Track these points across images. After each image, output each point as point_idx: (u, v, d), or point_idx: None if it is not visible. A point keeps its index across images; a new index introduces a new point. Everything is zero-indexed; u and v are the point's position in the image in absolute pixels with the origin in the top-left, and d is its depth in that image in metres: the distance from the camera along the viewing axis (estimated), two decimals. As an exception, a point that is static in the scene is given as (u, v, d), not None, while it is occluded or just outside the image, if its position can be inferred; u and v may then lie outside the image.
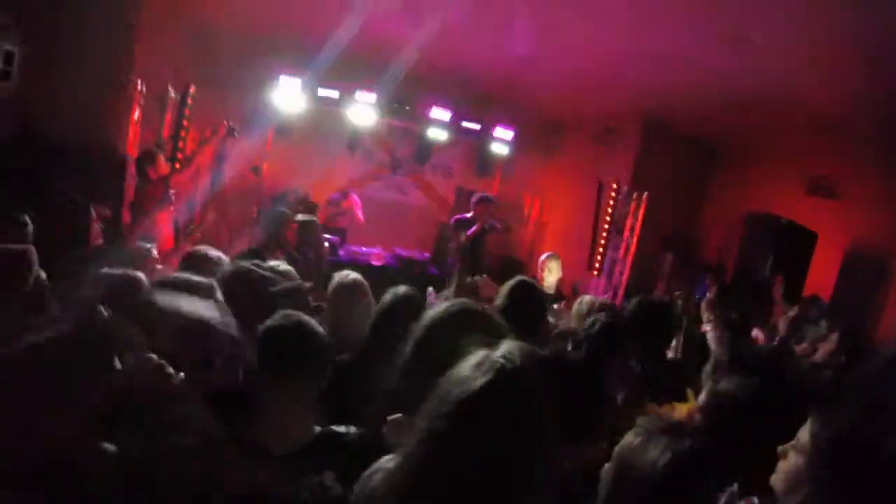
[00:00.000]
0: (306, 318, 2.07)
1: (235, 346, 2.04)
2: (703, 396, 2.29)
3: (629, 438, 1.44)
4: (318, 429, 1.96)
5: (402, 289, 2.91)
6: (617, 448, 1.47)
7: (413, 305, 2.74)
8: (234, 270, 2.84)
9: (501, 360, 1.11)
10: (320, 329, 2.07)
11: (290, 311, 2.10)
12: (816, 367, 3.96)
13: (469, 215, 7.50)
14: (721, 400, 2.09)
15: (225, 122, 6.49)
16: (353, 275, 3.35)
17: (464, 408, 1.07)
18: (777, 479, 1.61)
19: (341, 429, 1.98)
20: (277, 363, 1.95)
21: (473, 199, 7.65)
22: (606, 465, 1.49)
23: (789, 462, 1.60)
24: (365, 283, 3.36)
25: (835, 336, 4.08)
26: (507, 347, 1.16)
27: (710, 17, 4.48)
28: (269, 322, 2.02)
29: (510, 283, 3.40)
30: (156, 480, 1.53)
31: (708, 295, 4.58)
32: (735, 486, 1.70)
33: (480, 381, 1.08)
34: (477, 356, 1.14)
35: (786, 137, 6.31)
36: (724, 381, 2.17)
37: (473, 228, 7.27)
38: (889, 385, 2.99)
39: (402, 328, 1.85)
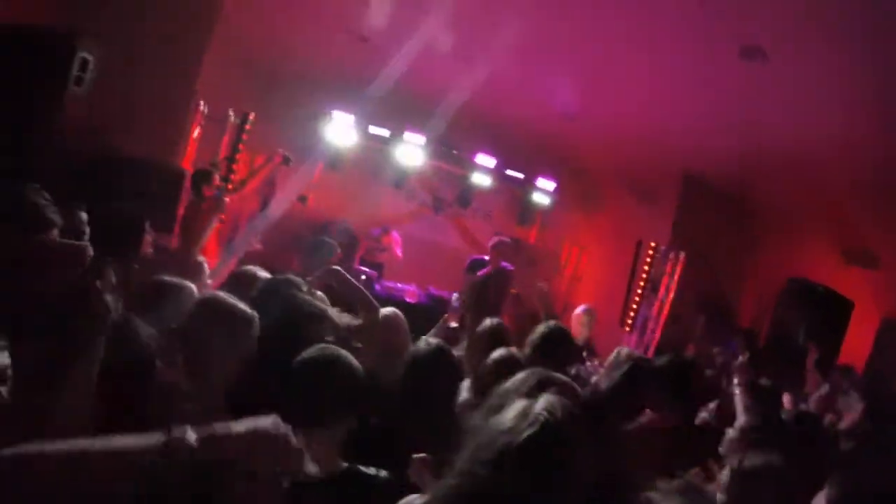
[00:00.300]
0: (344, 352, 2.01)
1: None
2: (726, 472, 2.22)
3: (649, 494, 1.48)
4: (344, 464, 1.89)
5: (434, 343, 2.74)
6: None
7: (449, 364, 2.66)
8: (271, 283, 2.89)
9: (546, 414, 1.17)
10: (357, 365, 2.00)
11: (328, 345, 2.05)
12: (840, 435, 3.88)
13: (486, 257, 7.42)
14: (745, 479, 2.06)
15: (280, 151, 6.81)
16: (392, 310, 3.34)
17: (507, 457, 1.12)
18: None
19: (371, 470, 1.90)
20: (310, 396, 1.86)
21: (490, 241, 7.55)
22: None
23: None
24: (404, 319, 3.35)
25: (860, 404, 3.97)
26: (548, 400, 1.22)
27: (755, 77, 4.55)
28: (305, 354, 1.96)
29: (542, 328, 3.40)
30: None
31: (740, 358, 4.50)
32: None
33: (526, 433, 1.13)
34: (518, 406, 1.20)
35: (826, 203, 6.28)
36: (749, 457, 2.14)
37: (484, 270, 7.20)
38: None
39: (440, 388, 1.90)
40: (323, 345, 2.05)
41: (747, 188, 7.46)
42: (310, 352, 1.97)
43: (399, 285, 8.81)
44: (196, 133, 6.67)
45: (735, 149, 6.28)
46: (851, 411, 4.38)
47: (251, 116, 7.10)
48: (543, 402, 1.20)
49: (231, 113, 7.00)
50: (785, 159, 5.81)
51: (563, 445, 1.15)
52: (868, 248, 6.07)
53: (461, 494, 1.12)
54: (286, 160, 6.84)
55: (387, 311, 3.29)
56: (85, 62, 4.68)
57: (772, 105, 4.96)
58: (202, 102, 6.49)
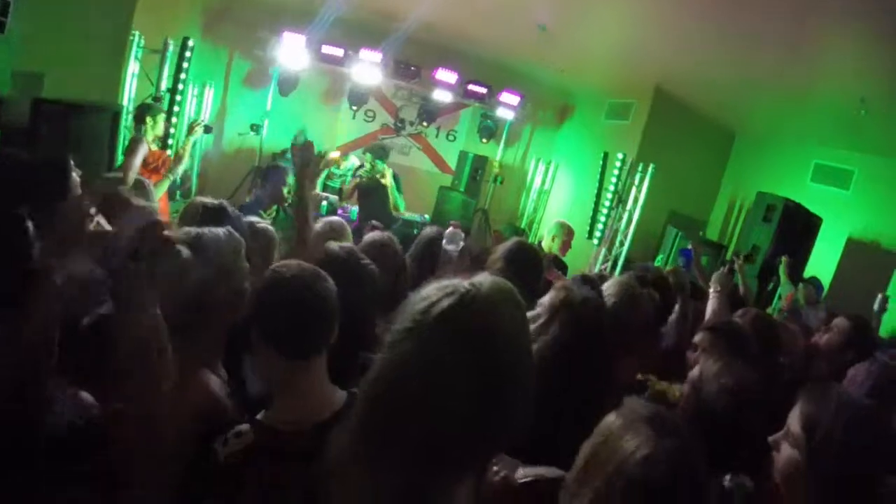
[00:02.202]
0: (318, 272, 1.69)
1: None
2: (690, 381, 2.09)
3: (611, 418, 1.34)
4: (344, 394, 1.66)
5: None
6: (599, 425, 1.36)
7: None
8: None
9: (468, 286, 0.93)
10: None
11: (295, 266, 1.66)
12: (814, 354, 3.86)
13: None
14: (708, 394, 1.95)
15: (199, 121, 6.28)
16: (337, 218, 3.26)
17: (421, 328, 0.90)
18: (776, 473, 1.56)
19: None
20: (293, 331, 1.58)
21: None
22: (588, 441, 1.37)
23: (784, 455, 1.54)
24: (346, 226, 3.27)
25: (841, 325, 3.81)
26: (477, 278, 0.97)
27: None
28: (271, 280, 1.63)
29: (508, 244, 3.21)
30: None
31: (721, 269, 4.39)
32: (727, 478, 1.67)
33: (444, 303, 0.91)
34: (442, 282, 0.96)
35: (799, 122, 6.23)
36: (711, 363, 2.04)
37: None
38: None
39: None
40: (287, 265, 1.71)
41: (720, 104, 7.30)
42: (276, 274, 1.64)
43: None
44: (133, 67, 6.12)
45: (710, 64, 6.06)
46: (816, 323, 4.41)
47: (190, 43, 6.50)
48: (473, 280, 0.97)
49: (170, 41, 6.39)
50: (760, 76, 5.65)
51: (485, 322, 0.90)
52: (839, 167, 6.07)
53: (385, 366, 0.92)
54: (207, 129, 6.29)
55: (332, 218, 3.25)
56: (6, 5, 4.19)
57: (750, 16, 4.72)
58: (138, 33, 5.91)
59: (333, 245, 2.25)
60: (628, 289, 2.71)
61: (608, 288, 2.75)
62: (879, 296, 4.28)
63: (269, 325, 1.57)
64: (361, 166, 7.62)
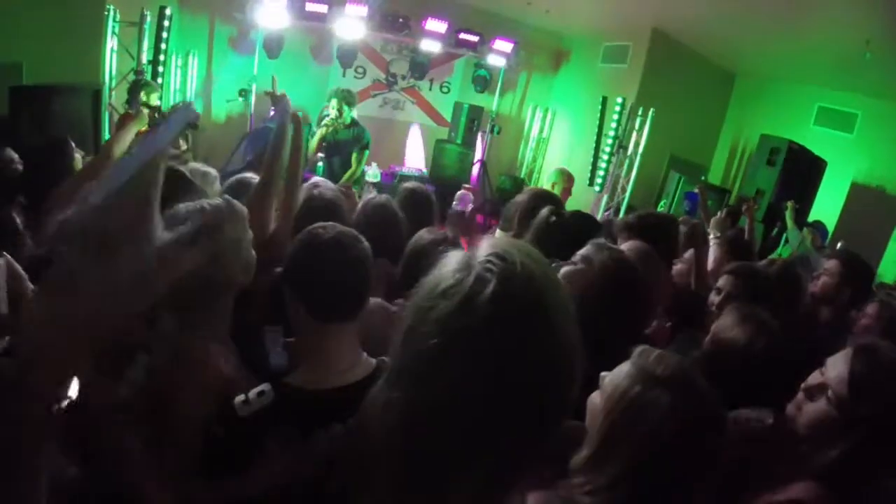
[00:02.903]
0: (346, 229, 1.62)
1: None
2: (708, 340, 2.08)
3: (623, 380, 1.26)
4: (373, 361, 1.58)
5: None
6: (609, 382, 1.28)
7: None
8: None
9: (497, 263, 0.73)
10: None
11: (325, 224, 1.61)
12: (817, 301, 3.80)
13: None
14: (725, 348, 1.95)
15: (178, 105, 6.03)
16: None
17: (449, 330, 0.71)
18: (802, 424, 1.53)
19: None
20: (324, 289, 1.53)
21: None
22: (594, 397, 1.31)
23: (817, 407, 1.50)
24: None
25: (832, 267, 3.75)
26: (496, 242, 0.77)
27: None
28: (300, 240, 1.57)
29: (527, 193, 3.10)
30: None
31: (719, 213, 4.30)
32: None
33: (459, 295, 0.71)
34: (456, 258, 0.77)
35: (804, 64, 6.01)
36: (728, 321, 2.04)
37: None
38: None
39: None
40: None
41: (719, 45, 7.04)
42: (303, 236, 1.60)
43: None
44: (112, 42, 5.93)
45: (708, 4, 5.81)
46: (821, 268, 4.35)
47: (168, 12, 6.27)
48: (493, 244, 0.76)
49: (146, 13, 6.16)
50: (761, 16, 5.41)
51: (528, 307, 0.71)
52: (843, 110, 5.90)
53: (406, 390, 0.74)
54: (193, 126, 6.00)
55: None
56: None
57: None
58: (112, 7, 5.71)
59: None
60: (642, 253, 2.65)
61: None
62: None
63: (302, 286, 1.54)
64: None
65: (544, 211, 2.48)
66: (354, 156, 6.05)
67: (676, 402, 1.21)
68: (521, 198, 3.18)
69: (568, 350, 0.75)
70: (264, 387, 1.45)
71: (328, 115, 5.94)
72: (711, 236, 3.61)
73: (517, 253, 0.75)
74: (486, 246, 0.76)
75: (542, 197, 3.19)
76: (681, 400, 1.22)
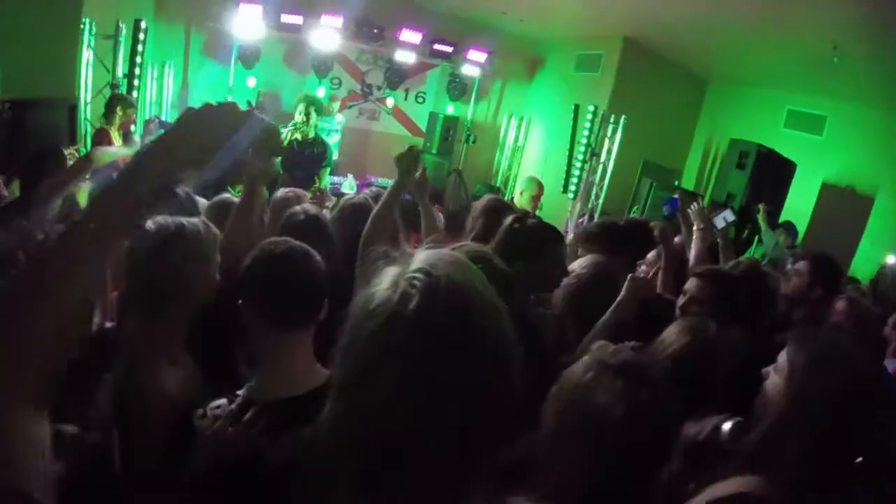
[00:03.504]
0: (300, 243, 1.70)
1: None
2: (673, 330, 2.01)
3: (579, 369, 1.25)
4: (326, 372, 1.56)
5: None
6: (563, 376, 1.27)
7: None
8: None
9: (420, 277, 0.76)
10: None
11: (278, 239, 1.70)
12: (790, 302, 3.92)
13: None
14: (697, 343, 1.91)
15: (154, 119, 6.04)
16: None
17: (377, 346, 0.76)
18: (758, 401, 1.57)
19: None
20: (278, 299, 1.58)
21: None
22: (553, 391, 1.28)
23: (769, 382, 1.57)
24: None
25: (802, 267, 3.88)
26: (425, 256, 0.81)
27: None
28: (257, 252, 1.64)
29: (482, 202, 3.15)
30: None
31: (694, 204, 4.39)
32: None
33: (384, 313, 0.75)
34: (387, 275, 0.80)
35: (773, 69, 6.22)
36: (696, 319, 2.05)
37: None
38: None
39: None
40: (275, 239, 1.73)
41: (691, 52, 7.24)
42: (263, 247, 1.66)
43: (335, 178, 8.44)
44: (87, 55, 5.87)
45: (679, 13, 5.98)
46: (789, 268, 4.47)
47: (143, 24, 6.22)
48: (422, 257, 0.79)
49: (122, 25, 6.11)
50: (730, 22, 5.60)
51: (455, 320, 0.74)
52: (812, 113, 6.12)
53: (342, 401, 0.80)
54: (163, 124, 6.07)
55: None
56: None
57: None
58: (88, 20, 5.65)
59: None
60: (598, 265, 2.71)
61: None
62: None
63: (257, 295, 1.60)
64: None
65: (508, 219, 2.57)
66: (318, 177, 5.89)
67: (630, 387, 1.18)
68: (481, 203, 3.25)
69: (499, 354, 0.77)
70: (221, 401, 1.52)
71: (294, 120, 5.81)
72: (694, 228, 3.66)
73: (443, 265, 0.78)
74: (416, 260, 0.80)
75: (501, 204, 3.26)
76: (634, 385, 1.18)
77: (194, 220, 1.87)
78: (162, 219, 1.78)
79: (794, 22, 5.23)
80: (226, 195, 2.99)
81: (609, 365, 1.22)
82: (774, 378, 1.56)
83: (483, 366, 0.76)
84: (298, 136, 5.75)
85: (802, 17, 5.12)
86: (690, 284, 2.66)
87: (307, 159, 5.82)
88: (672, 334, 1.97)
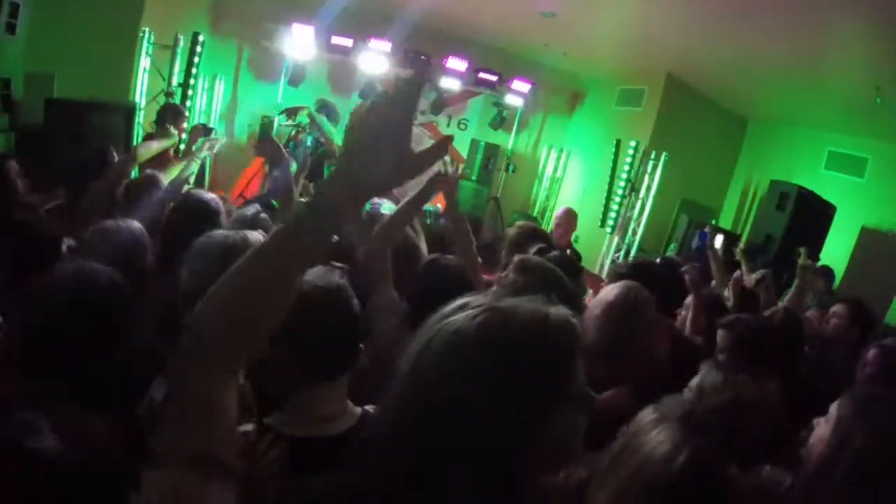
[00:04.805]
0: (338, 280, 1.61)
1: None
2: (709, 381, 1.98)
3: (647, 412, 1.34)
4: (358, 410, 1.57)
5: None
6: (636, 418, 1.37)
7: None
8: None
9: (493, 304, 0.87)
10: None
11: (317, 286, 1.56)
12: (829, 343, 3.86)
13: None
14: (734, 398, 1.89)
15: (198, 125, 6.25)
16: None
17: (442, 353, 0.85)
18: (807, 449, 1.57)
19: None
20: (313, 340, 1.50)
21: None
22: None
23: (818, 432, 1.57)
24: None
25: (841, 310, 3.86)
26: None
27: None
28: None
29: (512, 231, 3.27)
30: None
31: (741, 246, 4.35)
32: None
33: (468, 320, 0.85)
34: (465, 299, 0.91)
35: (814, 109, 6.14)
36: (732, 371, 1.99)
37: None
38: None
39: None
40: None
41: (733, 91, 7.20)
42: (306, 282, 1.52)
43: (375, 200, 8.56)
44: (145, 63, 6.18)
45: (722, 51, 5.98)
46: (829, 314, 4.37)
47: (201, 38, 6.53)
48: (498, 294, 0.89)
49: (180, 37, 6.43)
50: (773, 62, 5.56)
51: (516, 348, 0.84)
52: (853, 155, 5.99)
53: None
54: (208, 130, 6.22)
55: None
56: (15, 7, 4.21)
57: (763, 7, 4.65)
58: (148, 29, 5.96)
59: None
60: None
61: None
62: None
63: (296, 344, 1.47)
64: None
65: (532, 249, 2.58)
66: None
67: (677, 440, 1.23)
68: (511, 231, 3.30)
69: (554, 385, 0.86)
70: (247, 426, 1.45)
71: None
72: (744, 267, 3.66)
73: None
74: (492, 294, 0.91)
75: (529, 233, 3.30)
76: (682, 439, 1.24)
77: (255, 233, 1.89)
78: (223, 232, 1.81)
79: (835, 63, 5.19)
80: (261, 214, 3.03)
81: (673, 411, 1.33)
82: (822, 428, 1.57)
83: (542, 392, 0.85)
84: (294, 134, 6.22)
85: (844, 58, 5.07)
86: (719, 335, 2.65)
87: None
88: (708, 386, 1.96)
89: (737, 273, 4.18)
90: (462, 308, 0.89)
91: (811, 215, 6.17)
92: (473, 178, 9.34)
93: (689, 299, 3.38)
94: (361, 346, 1.59)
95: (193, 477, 0.79)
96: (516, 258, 2.36)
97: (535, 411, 0.84)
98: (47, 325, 1.53)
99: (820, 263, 6.08)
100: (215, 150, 4.34)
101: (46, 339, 1.52)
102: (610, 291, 2.41)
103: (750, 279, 4.53)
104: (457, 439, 0.82)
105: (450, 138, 1.09)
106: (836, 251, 6.03)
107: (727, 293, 3.94)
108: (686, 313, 3.39)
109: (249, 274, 0.85)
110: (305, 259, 0.87)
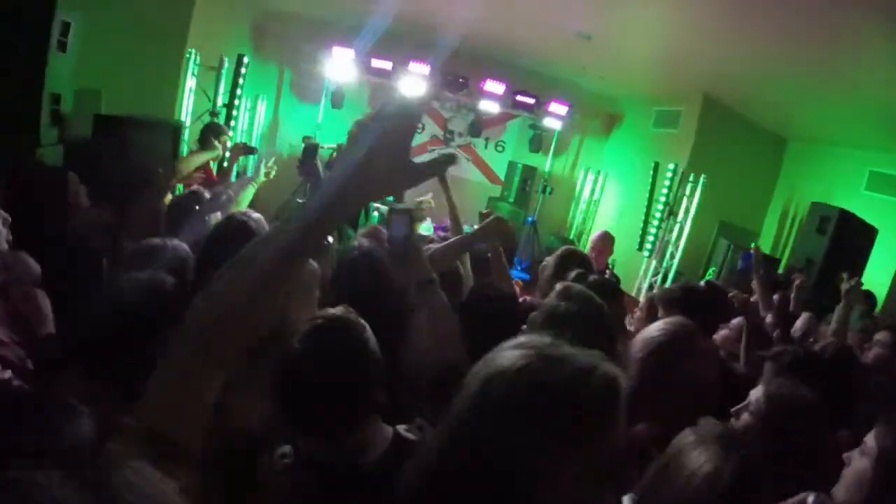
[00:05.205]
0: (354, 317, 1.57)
1: None
2: (758, 396, 1.94)
3: (687, 433, 1.37)
4: (389, 431, 1.54)
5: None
6: (675, 439, 1.39)
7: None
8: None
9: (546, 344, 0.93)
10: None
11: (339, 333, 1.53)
12: (870, 369, 3.77)
13: None
14: (779, 405, 1.86)
15: (239, 144, 6.44)
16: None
17: (491, 389, 0.91)
18: (839, 485, 1.55)
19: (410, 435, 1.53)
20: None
21: None
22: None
23: (854, 466, 1.54)
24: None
25: (884, 337, 3.76)
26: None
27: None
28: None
29: (560, 252, 3.33)
30: None
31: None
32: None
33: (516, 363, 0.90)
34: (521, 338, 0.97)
35: (854, 129, 6.00)
36: (780, 384, 1.97)
37: None
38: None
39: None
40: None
41: (770, 110, 7.10)
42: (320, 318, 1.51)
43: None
44: (190, 83, 6.46)
45: (758, 70, 5.92)
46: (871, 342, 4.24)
47: (245, 60, 6.82)
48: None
49: (225, 58, 6.72)
50: (811, 81, 5.49)
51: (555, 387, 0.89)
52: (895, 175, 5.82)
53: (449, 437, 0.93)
54: (249, 150, 6.37)
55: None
56: (66, 25, 4.43)
57: (797, 20, 4.61)
58: (194, 51, 6.24)
59: None
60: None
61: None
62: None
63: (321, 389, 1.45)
64: None
65: (571, 274, 2.63)
66: None
67: (719, 459, 1.26)
68: (550, 260, 3.33)
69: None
70: (286, 448, 1.46)
71: None
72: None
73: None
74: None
75: (569, 257, 3.32)
76: (723, 458, 1.26)
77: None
78: None
79: (876, 80, 5.07)
80: None
81: (711, 432, 1.34)
82: (862, 462, 1.55)
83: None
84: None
85: (885, 75, 4.95)
86: (769, 369, 2.57)
87: None
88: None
89: (775, 296, 4.10)
90: (517, 347, 0.95)
91: (852, 238, 5.99)
92: (511, 199, 9.39)
93: (737, 321, 3.32)
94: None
95: (146, 454, 0.77)
96: (559, 286, 2.36)
97: (560, 459, 0.88)
98: (120, 326, 1.56)
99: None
100: (272, 176, 4.38)
101: (116, 341, 1.54)
102: (657, 329, 2.25)
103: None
104: (490, 483, 0.87)
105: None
106: (877, 275, 5.82)
107: (769, 318, 3.85)
108: (728, 332, 3.35)
109: (239, 272, 0.88)
110: (290, 258, 0.89)
